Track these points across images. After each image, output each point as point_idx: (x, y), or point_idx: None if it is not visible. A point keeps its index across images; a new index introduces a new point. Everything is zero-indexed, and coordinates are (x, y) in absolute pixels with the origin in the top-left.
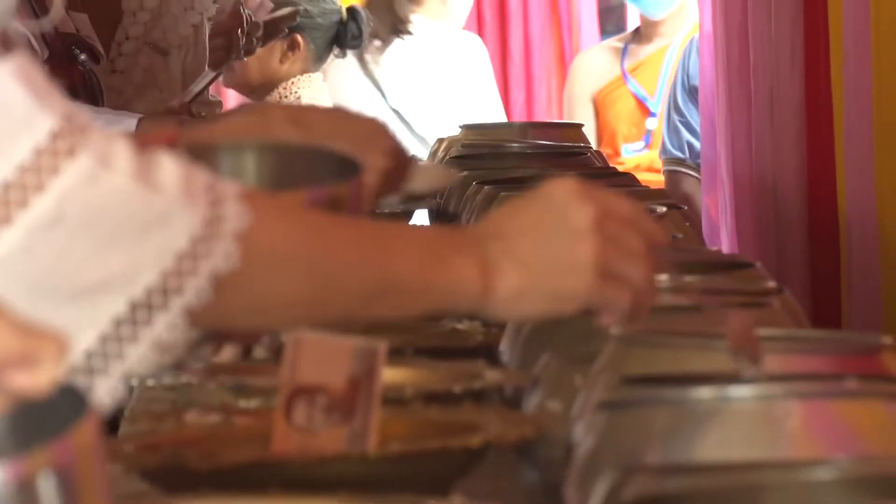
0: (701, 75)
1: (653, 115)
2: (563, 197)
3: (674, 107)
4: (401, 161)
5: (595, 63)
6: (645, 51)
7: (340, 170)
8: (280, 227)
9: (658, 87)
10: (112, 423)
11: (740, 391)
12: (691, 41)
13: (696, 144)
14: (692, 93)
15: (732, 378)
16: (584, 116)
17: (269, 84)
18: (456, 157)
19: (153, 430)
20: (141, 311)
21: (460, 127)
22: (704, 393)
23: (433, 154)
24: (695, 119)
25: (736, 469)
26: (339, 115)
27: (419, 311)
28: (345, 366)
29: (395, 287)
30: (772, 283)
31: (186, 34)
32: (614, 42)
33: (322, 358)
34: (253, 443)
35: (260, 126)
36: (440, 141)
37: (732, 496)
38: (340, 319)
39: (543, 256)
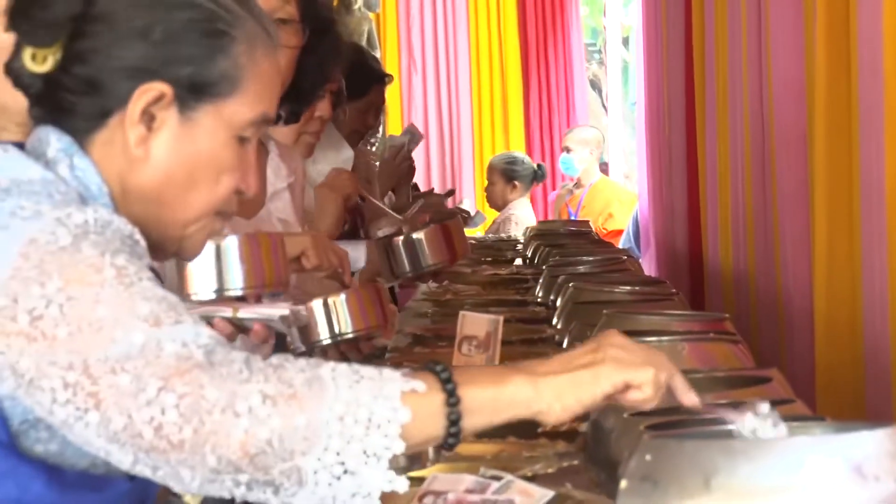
0: (640, 198)
1: (572, 216)
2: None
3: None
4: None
5: (559, 197)
6: (576, 192)
7: None
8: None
9: (577, 208)
10: None
11: (662, 338)
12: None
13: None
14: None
15: (655, 332)
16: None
17: (506, 205)
18: (534, 236)
19: (402, 354)
20: None
21: (537, 222)
22: (647, 338)
23: (524, 234)
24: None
25: None
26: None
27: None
28: (484, 326)
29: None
30: (673, 290)
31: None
32: (568, 184)
33: (474, 323)
34: (444, 360)
35: None
36: (528, 227)
37: None
38: None
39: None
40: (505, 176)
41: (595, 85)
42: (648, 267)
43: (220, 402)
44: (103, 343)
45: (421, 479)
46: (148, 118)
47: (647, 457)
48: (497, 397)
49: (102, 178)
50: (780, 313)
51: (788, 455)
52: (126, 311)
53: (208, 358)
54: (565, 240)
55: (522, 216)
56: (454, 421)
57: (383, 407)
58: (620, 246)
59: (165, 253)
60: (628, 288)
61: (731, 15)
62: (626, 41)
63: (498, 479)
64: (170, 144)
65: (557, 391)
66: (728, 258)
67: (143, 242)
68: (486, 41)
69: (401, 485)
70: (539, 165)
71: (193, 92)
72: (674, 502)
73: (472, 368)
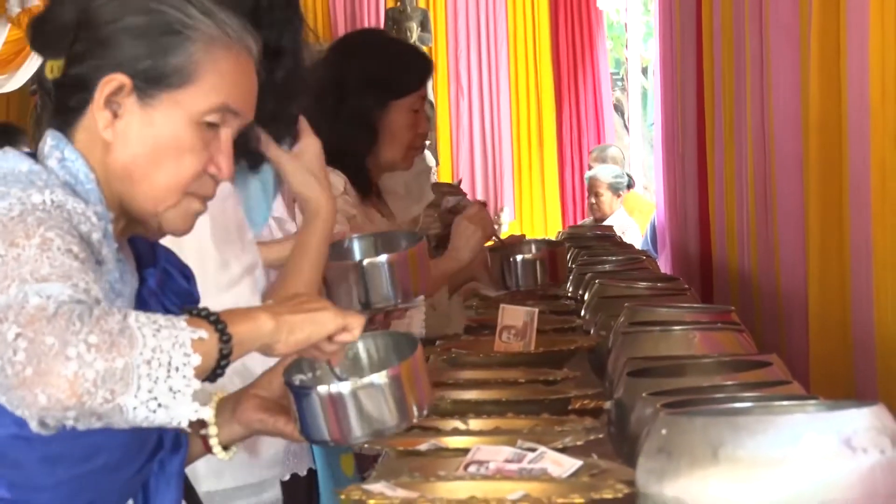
0: (657, 207)
1: None
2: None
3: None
4: None
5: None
6: None
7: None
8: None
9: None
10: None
11: (675, 327)
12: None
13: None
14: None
15: (670, 322)
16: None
17: (612, 213)
18: (565, 238)
19: (450, 342)
20: None
21: (569, 227)
22: (661, 328)
23: (557, 235)
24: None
25: (674, 357)
26: None
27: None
28: (522, 317)
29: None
30: (686, 286)
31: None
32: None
33: (513, 314)
34: (487, 347)
35: None
36: (558, 232)
37: (674, 369)
38: None
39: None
40: (612, 189)
41: (618, 108)
42: (664, 266)
43: (55, 347)
44: (2, 294)
45: (465, 450)
46: (114, 106)
47: (663, 431)
48: (251, 332)
49: (90, 166)
50: (779, 306)
51: (787, 430)
52: (30, 270)
53: (56, 310)
54: (592, 242)
55: (628, 223)
56: (225, 355)
57: (179, 353)
58: (640, 248)
59: (149, 228)
60: (647, 284)
61: (737, 50)
62: (645, 71)
63: (533, 450)
64: (133, 128)
65: (291, 327)
66: (734, 258)
67: (94, 220)
68: (524, 70)
69: (205, 413)
70: (629, 175)
71: (149, 82)
72: (685, 471)
73: (230, 312)
